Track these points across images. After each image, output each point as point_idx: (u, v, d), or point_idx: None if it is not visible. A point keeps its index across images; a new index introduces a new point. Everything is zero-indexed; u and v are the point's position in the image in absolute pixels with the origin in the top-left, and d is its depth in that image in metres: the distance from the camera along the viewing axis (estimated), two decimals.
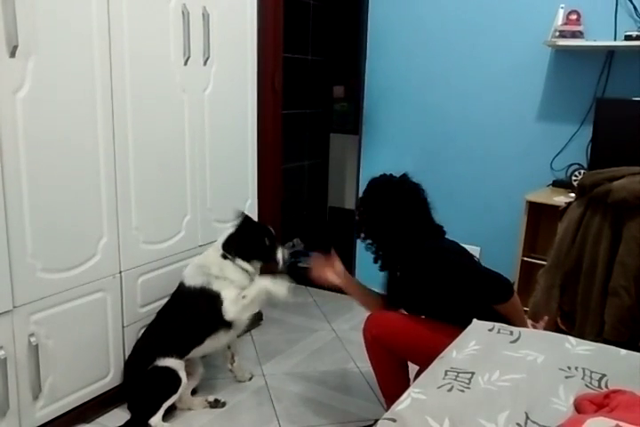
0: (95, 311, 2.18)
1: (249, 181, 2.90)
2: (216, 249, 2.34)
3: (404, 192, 2.01)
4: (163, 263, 2.43)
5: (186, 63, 2.38)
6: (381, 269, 2.13)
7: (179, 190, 2.47)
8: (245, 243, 2.31)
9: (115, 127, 2.13)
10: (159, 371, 2.19)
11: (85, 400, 2.21)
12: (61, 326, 2.05)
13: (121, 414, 2.25)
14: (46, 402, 2.05)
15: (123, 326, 2.31)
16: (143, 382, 2.20)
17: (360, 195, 3.41)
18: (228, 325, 2.30)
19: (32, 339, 1.94)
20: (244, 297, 2.27)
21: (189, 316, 2.27)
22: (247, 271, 2.32)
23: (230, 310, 2.26)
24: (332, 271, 2.16)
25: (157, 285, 2.41)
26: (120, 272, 2.25)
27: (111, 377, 2.29)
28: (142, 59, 2.19)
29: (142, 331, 2.37)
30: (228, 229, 2.39)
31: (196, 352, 2.34)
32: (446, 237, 2.07)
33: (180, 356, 2.25)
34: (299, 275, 2.63)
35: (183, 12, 2.32)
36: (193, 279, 2.29)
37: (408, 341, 1.99)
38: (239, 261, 2.30)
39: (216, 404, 2.38)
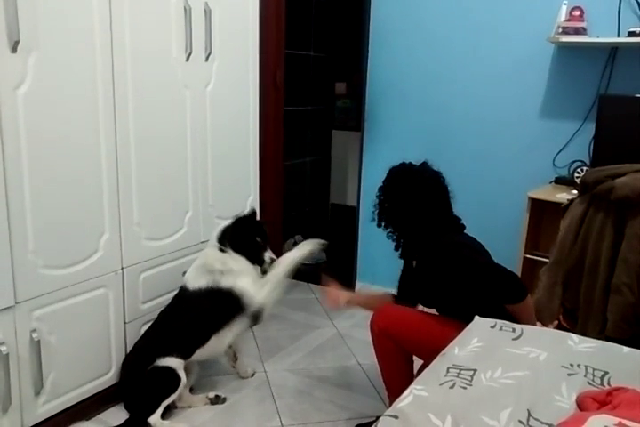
0: (97, 308, 2.18)
1: (251, 178, 2.90)
2: (213, 246, 2.31)
3: (426, 180, 2.01)
4: (165, 260, 2.43)
5: (187, 59, 2.37)
6: (401, 256, 2.15)
7: (180, 186, 2.47)
8: (238, 237, 2.28)
9: (116, 123, 2.12)
10: (158, 370, 2.18)
11: (87, 396, 2.21)
12: (63, 323, 2.06)
13: (122, 411, 2.25)
14: (48, 398, 2.05)
15: (124, 323, 2.31)
16: (142, 382, 2.19)
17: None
18: (240, 316, 2.28)
19: (34, 335, 1.95)
20: (267, 282, 2.27)
21: (195, 317, 2.24)
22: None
23: (258, 295, 2.24)
24: (334, 297, 2.24)
25: (159, 281, 2.41)
26: (122, 268, 2.25)
27: (113, 373, 2.30)
28: (144, 54, 2.19)
29: (143, 329, 2.36)
30: (222, 224, 2.37)
31: (200, 354, 2.29)
32: (464, 232, 2.09)
33: (183, 356, 2.23)
34: (300, 272, 2.63)
35: (185, 8, 2.31)
36: (197, 281, 2.26)
37: (416, 334, 1.99)
38: (234, 254, 2.27)
39: (217, 400, 2.38)
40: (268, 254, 2.30)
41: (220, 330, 2.28)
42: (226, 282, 2.24)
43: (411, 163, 2.07)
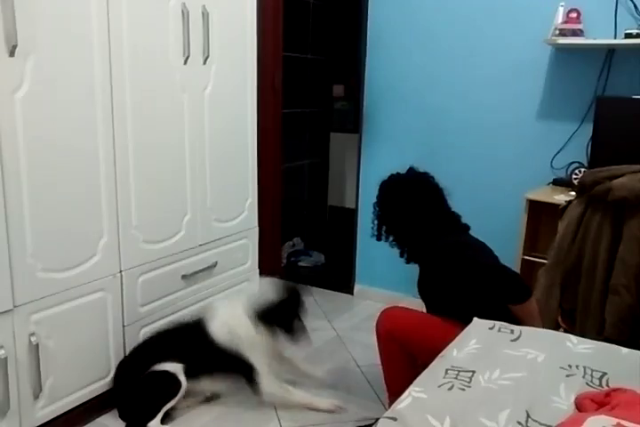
0: (95, 311, 2.18)
1: (249, 180, 2.90)
2: (243, 310, 2.27)
3: (416, 183, 2.05)
4: (163, 263, 2.43)
5: (185, 62, 2.38)
6: (407, 262, 2.18)
7: (178, 189, 2.47)
8: (281, 319, 2.26)
9: (114, 126, 2.13)
10: (158, 375, 2.17)
11: (86, 400, 2.21)
12: (62, 326, 2.05)
13: None
14: (47, 402, 2.05)
15: (123, 326, 2.30)
16: (141, 386, 2.18)
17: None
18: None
19: (32, 338, 1.94)
20: (287, 390, 2.30)
21: (205, 353, 2.25)
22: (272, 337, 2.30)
23: (266, 385, 2.26)
24: None
25: (158, 284, 2.41)
26: (120, 272, 2.25)
27: (112, 377, 2.29)
28: (142, 58, 2.19)
29: (142, 332, 2.36)
30: (259, 293, 2.33)
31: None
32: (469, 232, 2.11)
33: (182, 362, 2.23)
34: (299, 274, 2.63)
35: (183, 12, 2.31)
36: (218, 331, 2.25)
37: (422, 337, 2.00)
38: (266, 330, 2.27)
39: (211, 397, 2.37)
40: (304, 335, 2.30)
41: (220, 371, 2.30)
42: (245, 350, 2.25)
43: (398, 173, 2.12)
